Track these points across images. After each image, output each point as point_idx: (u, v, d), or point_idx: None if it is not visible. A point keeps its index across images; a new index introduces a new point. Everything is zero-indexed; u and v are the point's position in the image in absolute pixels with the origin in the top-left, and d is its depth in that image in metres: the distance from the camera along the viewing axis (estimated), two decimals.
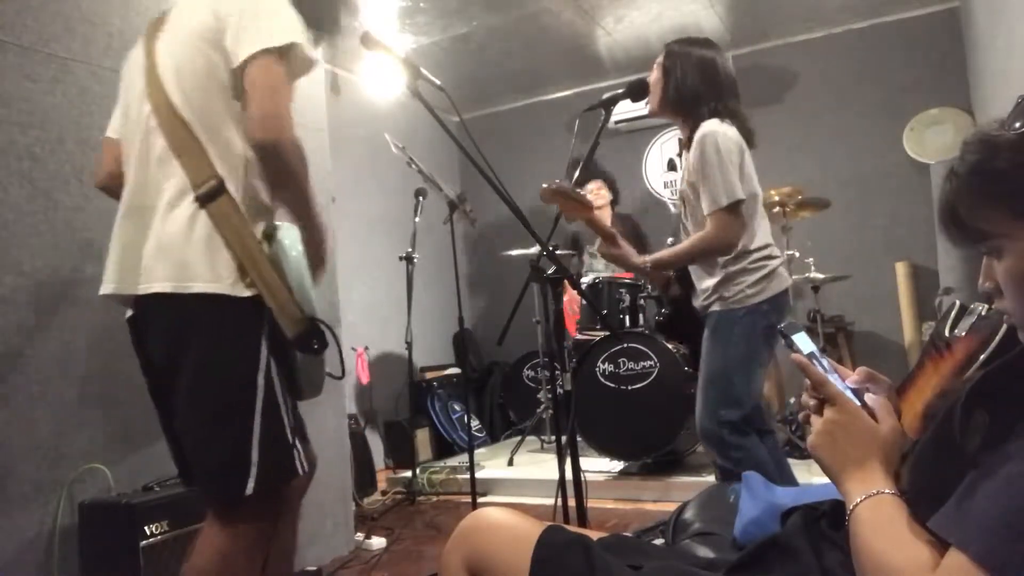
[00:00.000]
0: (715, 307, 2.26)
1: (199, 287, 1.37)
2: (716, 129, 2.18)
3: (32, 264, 1.99)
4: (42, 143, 2.03)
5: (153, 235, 1.40)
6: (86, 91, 2.16)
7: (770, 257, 2.24)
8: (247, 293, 1.39)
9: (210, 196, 1.39)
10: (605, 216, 4.94)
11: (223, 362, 1.40)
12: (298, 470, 1.46)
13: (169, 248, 1.39)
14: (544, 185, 2.22)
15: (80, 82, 2.15)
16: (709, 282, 2.27)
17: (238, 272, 1.38)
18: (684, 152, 2.36)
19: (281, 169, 1.40)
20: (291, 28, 1.39)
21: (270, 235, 1.46)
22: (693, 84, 2.26)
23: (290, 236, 1.47)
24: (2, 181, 1.95)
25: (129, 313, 1.52)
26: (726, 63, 2.32)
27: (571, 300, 4.83)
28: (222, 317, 1.39)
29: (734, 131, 2.21)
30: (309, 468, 1.76)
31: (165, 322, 1.42)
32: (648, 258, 2.30)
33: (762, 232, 2.26)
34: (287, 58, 1.39)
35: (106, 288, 1.48)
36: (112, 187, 1.58)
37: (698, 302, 2.36)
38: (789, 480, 2.30)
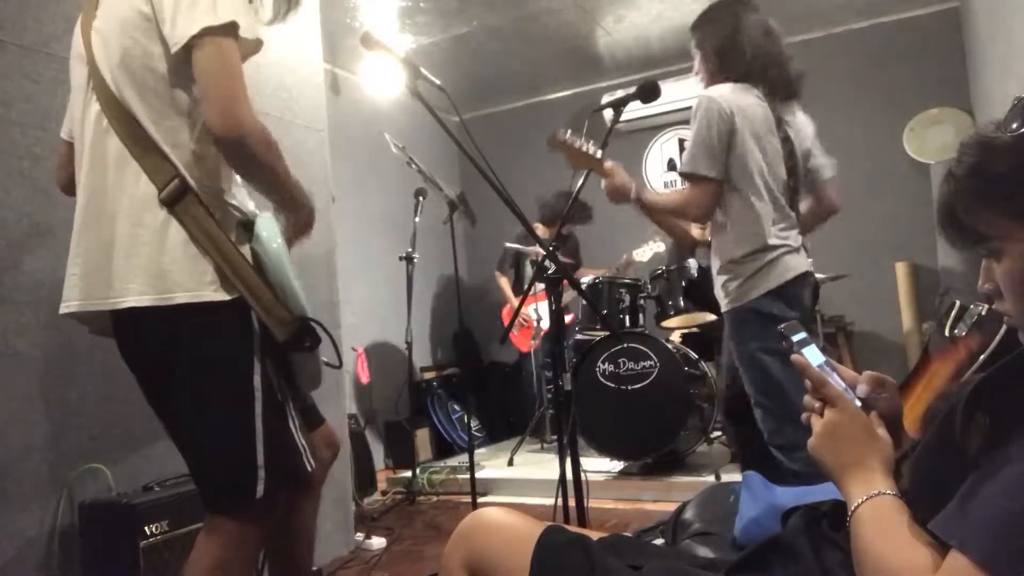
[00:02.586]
0: (725, 307, 2.20)
1: (182, 297, 1.30)
2: (712, 94, 2.11)
3: (32, 264, 1.99)
4: (42, 143, 2.03)
5: (121, 245, 1.32)
6: None
7: (767, 249, 2.10)
8: (230, 296, 1.33)
9: (176, 197, 1.31)
10: (543, 232, 4.97)
11: (216, 370, 1.35)
12: (307, 469, 1.44)
13: (143, 258, 1.31)
14: (551, 135, 2.17)
15: None
16: (720, 279, 2.21)
17: (218, 277, 1.32)
18: None
19: (248, 161, 1.32)
20: (231, 7, 1.28)
21: (248, 226, 1.39)
22: (724, 51, 2.17)
23: (268, 228, 1.39)
24: (2, 181, 1.95)
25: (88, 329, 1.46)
26: (752, 20, 2.17)
27: (509, 315, 4.81)
28: (208, 325, 1.33)
29: (734, 101, 2.10)
30: (332, 451, 1.77)
31: (149, 337, 1.36)
32: (637, 194, 2.25)
33: (765, 218, 2.11)
34: (232, 36, 1.30)
35: (69, 306, 1.37)
36: (73, 190, 1.49)
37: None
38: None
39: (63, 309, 1.39)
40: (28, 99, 2.01)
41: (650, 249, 4.56)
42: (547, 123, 5.71)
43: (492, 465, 4.22)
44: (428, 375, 4.93)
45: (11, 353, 1.92)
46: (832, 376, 0.93)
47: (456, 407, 4.86)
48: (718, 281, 2.22)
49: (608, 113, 2.35)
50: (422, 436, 4.56)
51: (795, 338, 0.96)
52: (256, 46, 1.38)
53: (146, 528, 1.92)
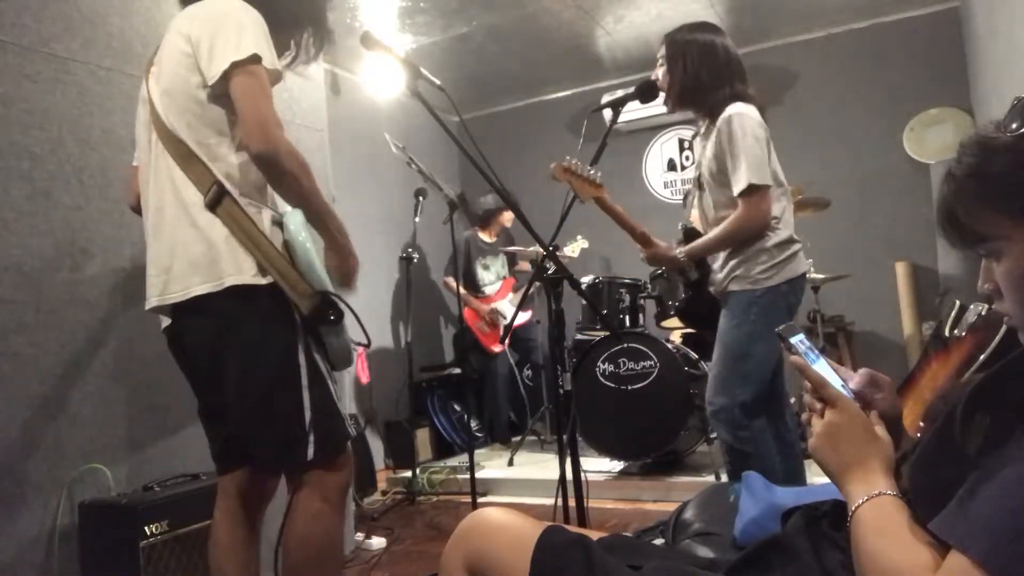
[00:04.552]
0: (733, 286, 2.25)
1: (230, 281, 1.51)
2: (743, 111, 2.19)
3: (32, 264, 1.99)
4: (42, 143, 2.03)
5: (181, 244, 1.55)
6: (86, 91, 2.16)
7: (792, 241, 2.25)
8: (268, 281, 1.53)
9: (216, 201, 1.53)
10: (485, 234, 4.94)
11: (265, 345, 1.54)
12: (350, 433, 1.64)
13: (197, 255, 1.53)
14: (553, 164, 2.23)
15: (80, 82, 2.15)
16: (727, 262, 2.27)
17: (256, 266, 1.53)
18: (702, 140, 2.34)
19: (281, 176, 1.53)
20: (254, 42, 1.51)
21: (279, 223, 1.59)
22: (699, 72, 2.25)
23: (295, 221, 1.58)
24: (2, 181, 1.95)
25: (167, 323, 1.64)
26: (727, 43, 2.31)
27: (473, 317, 4.74)
28: (254, 306, 1.53)
29: (755, 115, 2.22)
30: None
31: (204, 321, 1.56)
32: (682, 250, 2.33)
33: (784, 216, 2.27)
34: (258, 63, 1.52)
35: (150, 303, 1.61)
36: (141, 208, 1.73)
37: (714, 286, 2.34)
38: (793, 473, 2.29)
39: (147, 306, 1.62)
40: (28, 99, 2.01)
41: (578, 245, 4.61)
42: (547, 123, 5.75)
43: (492, 465, 4.22)
44: (428, 375, 4.92)
45: (11, 353, 1.92)
46: (832, 376, 0.93)
47: (456, 407, 4.86)
48: (732, 264, 2.25)
49: (607, 113, 2.36)
50: (422, 436, 4.56)
51: (793, 339, 0.96)
52: (277, 76, 1.58)
53: (146, 528, 1.92)
